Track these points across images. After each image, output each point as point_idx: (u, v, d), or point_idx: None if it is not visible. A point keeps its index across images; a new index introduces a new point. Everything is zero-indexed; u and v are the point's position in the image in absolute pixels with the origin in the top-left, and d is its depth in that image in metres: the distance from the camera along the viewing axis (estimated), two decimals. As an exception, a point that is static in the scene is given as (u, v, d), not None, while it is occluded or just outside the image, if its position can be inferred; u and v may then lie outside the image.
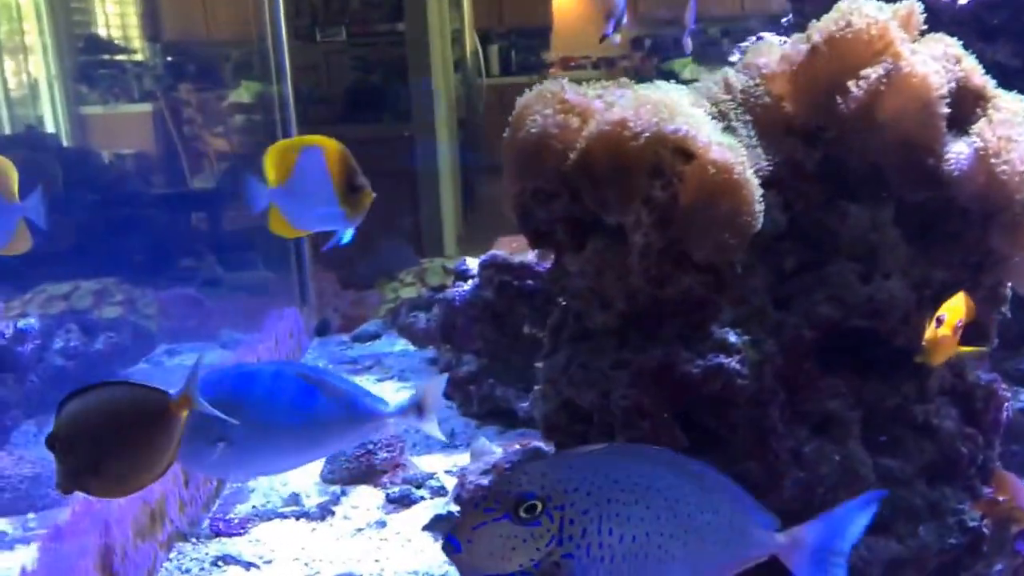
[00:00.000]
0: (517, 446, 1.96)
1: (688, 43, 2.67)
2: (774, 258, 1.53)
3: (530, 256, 2.35)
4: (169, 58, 4.78)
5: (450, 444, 2.41)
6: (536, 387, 2.30)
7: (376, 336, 3.52)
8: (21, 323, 2.59)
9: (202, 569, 1.80)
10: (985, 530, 1.55)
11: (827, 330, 1.51)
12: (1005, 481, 1.53)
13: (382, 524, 1.95)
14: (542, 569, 1.08)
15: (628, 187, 1.41)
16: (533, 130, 1.48)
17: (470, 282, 2.48)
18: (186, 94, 4.49)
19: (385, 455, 2.18)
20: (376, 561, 1.80)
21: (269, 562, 1.82)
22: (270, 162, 1.51)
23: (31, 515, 2.01)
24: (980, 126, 1.46)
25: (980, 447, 1.60)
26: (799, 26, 2.09)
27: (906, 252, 1.52)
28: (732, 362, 1.44)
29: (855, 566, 1.52)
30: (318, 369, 1.72)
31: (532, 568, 1.08)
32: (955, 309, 1.45)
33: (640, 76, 5.28)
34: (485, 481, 1.90)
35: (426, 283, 3.10)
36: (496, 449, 2.27)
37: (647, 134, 1.37)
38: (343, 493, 2.12)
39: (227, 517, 2.00)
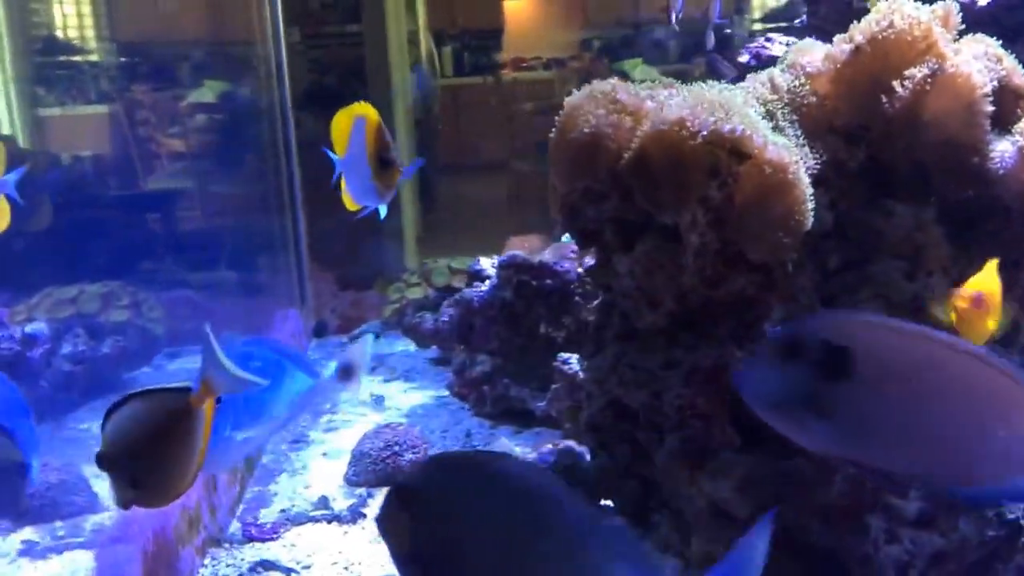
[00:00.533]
0: (550, 446, 1.95)
1: (711, 38, 2.67)
2: (819, 256, 1.53)
3: (548, 256, 2.35)
4: (125, 59, 4.70)
5: (467, 445, 2.40)
6: (553, 386, 2.31)
7: (376, 337, 3.50)
8: (30, 328, 2.54)
9: (240, 575, 1.78)
10: (1023, 522, 1.57)
11: (873, 327, 1.51)
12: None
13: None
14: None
15: (684, 186, 1.41)
16: (586, 130, 1.48)
17: (487, 282, 2.47)
18: (142, 95, 4.42)
19: (410, 456, 2.17)
20: (382, 566, 1.79)
21: (308, 567, 1.80)
22: (335, 131, 1.44)
23: (58, 523, 1.97)
24: (1023, 125, 1.47)
25: (1015, 439, 1.61)
26: (813, 28, 2.11)
27: (947, 250, 1.53)
28: (786, 359, 1.44)
29: (901, 559, 1.54)
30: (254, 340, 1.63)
31: None
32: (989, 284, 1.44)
33: (591, 76, 5.31)
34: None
35: (432, 283, 3.08)
36: (516, 448, 2.27)
37: (705, 133, 1.37)
38: (370, 495, 2.10)
39: (259, 522, 1.98)
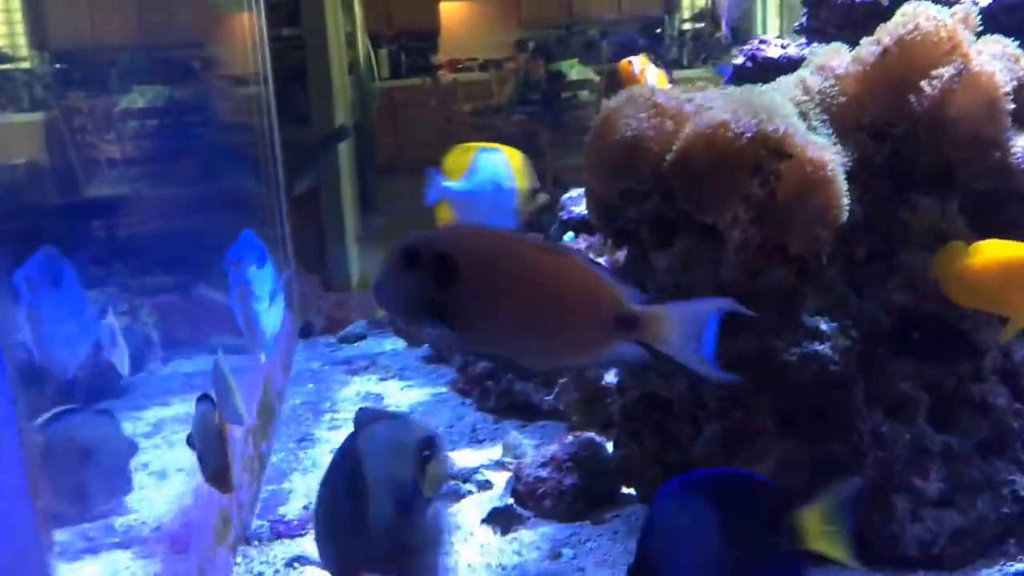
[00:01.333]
0: (570, 438, 1.98)
1: (728, 32, 2.71)
2: (847, 248, 1.58)
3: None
4: (59, 65, 4.63)
5: (474, 439, 2.41)
6: (561, 380, 2.33)
7: (362, 337, 3.49)
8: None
9: (276, 571, 1.78)
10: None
11: (900, 316, 1.56)
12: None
13: (441, 520, 1.95)
14: None
15: (728, 185, 1.44)
16: (628, 133, 1.51)
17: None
18: (77, 101, 4.35)
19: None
20: (446, 555, 1.80)
21: (342, 561, 1.80)
22: (452, 162, 1.56)
23: (87, 524, 1.94)
24: (1039, 121, 1.53)
25: (1026, 421, 1.68)
26: (813, 30, 2.16)
27: (970, 240, 1.58)
28: (825, 348, 1.49)
29: (923, 538, 1.59)
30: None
31: None
32: None
33: (528, 77, 5.35)
34: (544, 473, 1.92)
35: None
36: (525, 441, 2.29)
37: (749, 134, 1.41)
38: (387, 491, 2.11)
39: (286, 519, 1.97)
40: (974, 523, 1.62)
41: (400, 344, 3.29)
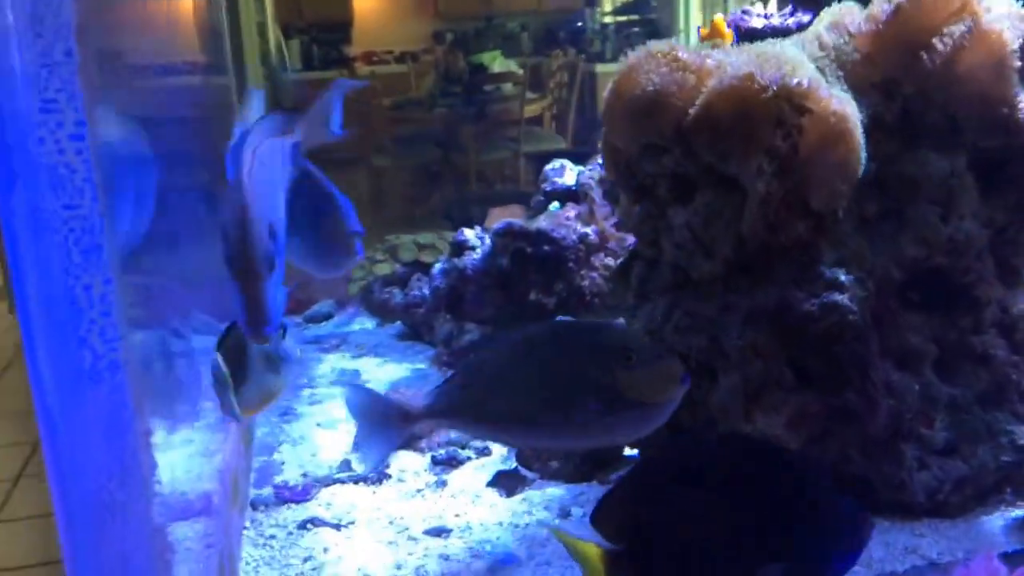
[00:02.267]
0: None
1: None
2: (858, 204, 1.62)
3: (544, 223, 2.39)
4: None
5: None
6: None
7: (329, 316, 3.47)
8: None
9: (290, 534, 1.76)
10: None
11: (912, 269, 1.61)
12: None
13: (442, 484, 1.95)
14: None
15: (752, 138, 1.48)
16: (650, 88, 1.53)
17: (477, 251, 2.49)
18: None
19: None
20: (457, 516, 1.80)
21: (352, 522, 1.79)
22: None
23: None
24: (1044, 80, 1.59)
25: (1023, 373, 1.74)
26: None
27: (976, 195, 1.64)
28: (844, 299, 1.53)
29: (930, 485, 1.65)
30: None
31: None
32: None
33: (448, 69, 5.35)
34: (550, 435, 1.94)
35: (399, 259, 3.08)
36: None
37: (775, 87, 1.44)
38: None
39: (290, 485, 1.96)
40: (975, 471, 1.68)
41: (370, 323, 3.28)
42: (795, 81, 1.44)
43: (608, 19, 6.67)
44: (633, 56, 1.59)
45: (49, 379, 0.84)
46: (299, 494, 1.92)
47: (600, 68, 5.72)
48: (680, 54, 1.55)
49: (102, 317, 0.85)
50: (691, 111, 1.51)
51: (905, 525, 1.66)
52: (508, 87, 5.26)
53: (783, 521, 1.07)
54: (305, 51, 6.74)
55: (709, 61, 1.54)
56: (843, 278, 1.54)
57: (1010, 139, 1.60)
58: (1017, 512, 1.71)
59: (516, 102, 5.12)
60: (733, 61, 1.50)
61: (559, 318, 1.38)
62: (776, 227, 1.52)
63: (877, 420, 1.59)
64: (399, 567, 1.64)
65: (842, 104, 1.46)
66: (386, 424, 1.32)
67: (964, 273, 1.63)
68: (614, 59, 5.64)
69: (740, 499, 1.09)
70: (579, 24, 6.94)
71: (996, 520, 1.69)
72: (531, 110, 5.31)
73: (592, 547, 1.18)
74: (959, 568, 0.98)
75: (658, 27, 5.73)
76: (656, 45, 1.58)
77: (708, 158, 1.53)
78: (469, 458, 2.09)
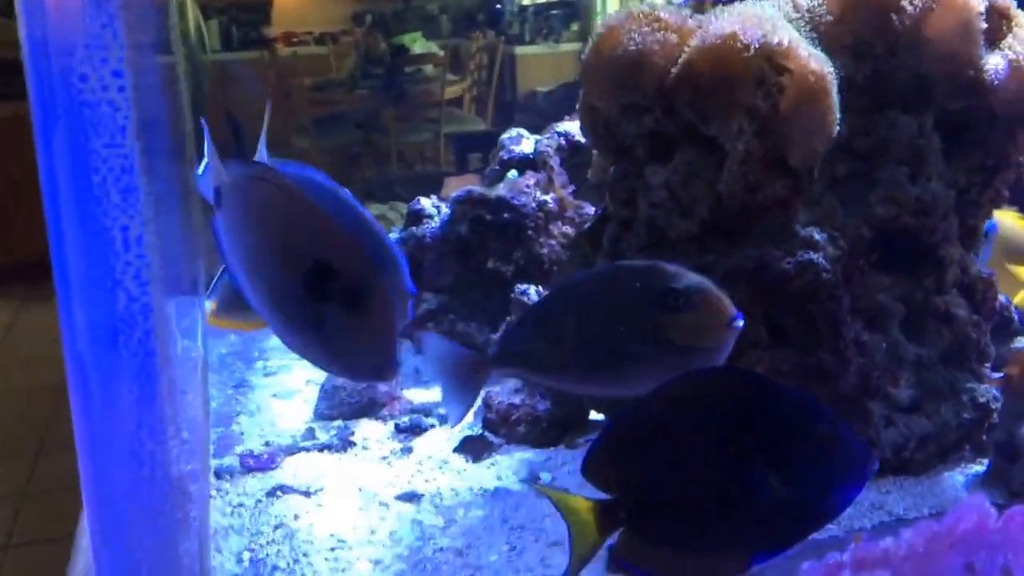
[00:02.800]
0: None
1: None
2: (830, 164, 1.66)
3: (503, 190, 2.39)
4: None
5: (420, 380, 2.42)
6: (509, 318, 2.35)
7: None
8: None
9: (258, 502, 1.74)
10: (993, 405, 1.75)
11: (881, 229, 1.65)
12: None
13: (408, 451, 1.94)
14: None
15: (732, 97, 1.49)
16: (632, 47, 1.54)
17: (436, 219, 2.48)
18: None
19: (384, 388, 2.17)
20: (426, 482, 1.80)
21: (321, 490, 1.78)
22: None
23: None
24: (1009, 41, 1.65)
25: (982, 332, 1.80)
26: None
27: (941, 157, 1.69)
28: (819, 257, 1.56)
29: (896, 442, 1.70)
30: None
31: None
32: None
33: (369, 51, 5.33)
34: (516, 400, 1.94)
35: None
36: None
37: (756, 46, 1.46)
38: (347, 427, 2.09)
39: (255, 453, 1.94)
40: (939, 429, 1.73)
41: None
42: (776, 40, 1.46)
43: (527, 1, 6.67)
44: (614, 15, 1.60)
45: (82, 322, 0.82)
46: (264, 463, 1.90)
47: (519, 50, 5.72)
48: (662, 14, 1.56)
49: (137, 259, 0.84)
50: (673, 71, 1.52)
51: (871, 482, 1.70)
52: (428, 69, 5.26)
53: (784, 458, 1.05)
54: (224, 32, 6.60)
55: (691, 21, 1.55)
56: (817, 237, 1.57)
57: (975, 100, 1.64)
58: (977, 468, 1.76)
59: (437, 84, 5.13)
60: (715, 22, 1.52)
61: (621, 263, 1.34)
62: (755, 186, 1.54)
63: (848, 378, 1.62)
64: (372, 532, 1.63)
65: (820, 64, 1.49)
66: (467, 375, 1.28)
67: (931, 233, 1.68)
68: (533, 41, 5.71)
69: (737, 437, 1.07)
70: (498, 6, 6.93)
71: (957, 476, 1.74)
72: (451, 92, 5.31)
73: (581, 500, 1.16)
74: (951, 512, 0.99)
75: (577, 10, 5.77)
76: (637, 5, 1.59)
77: (689, 117, 1.54)
78: (433, 425, 2.08)
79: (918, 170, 1.65)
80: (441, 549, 1.56)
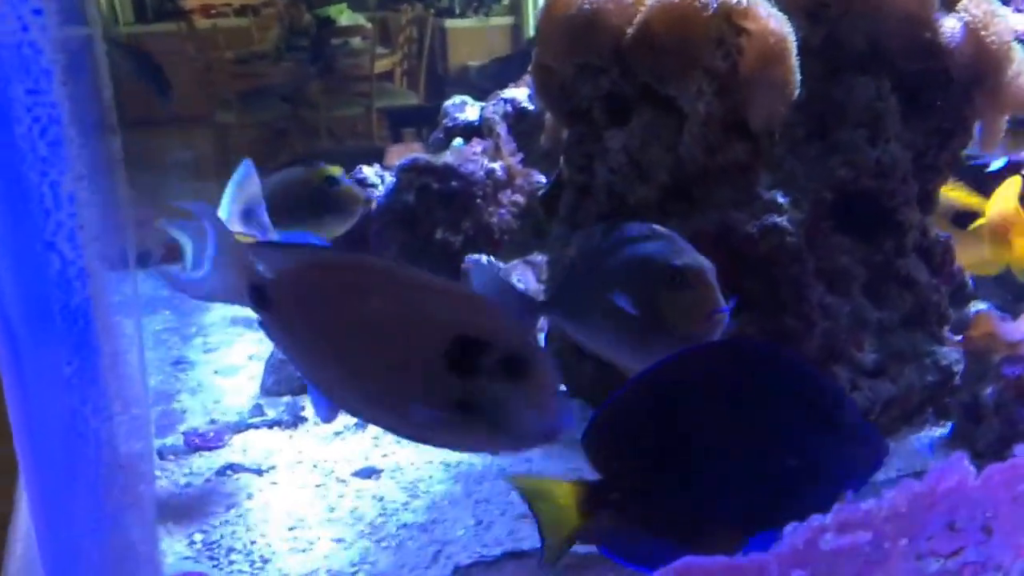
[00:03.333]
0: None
1: None
2: (788, 128, 1.66)
3: (450, 158, 2.37)
4: None
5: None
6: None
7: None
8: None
9: (208, 481, 1.72)
10: (956, 368, 1.78)
11: (841, 191, 1.67)
12: (985, 318, 1.76)
13: (362, 426, 1.92)
14: None
15: (691, 58, 1.49)
16: (587, 7, 1.53)
17: (380, 188, 2.45)
18: None
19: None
20: (384, 456, 1.78)
21: (274, 467, 1.75)
22: None
23: None
24: (964, 3, 1.66)
25: (942, 295, 1.83)
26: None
27: (898, 119, 1.70)
28: (783, 220, 1.57)
29: (863, 405, 1.72)
30: None
31: None
32: None
33: (294, 22, 5.26)
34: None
35: (290, 199, 2.99)
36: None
37: (715, 6, 1.46)
38: (296, 403, 2.07)
39: (200, 431, 1.91)
40: (903, 392, 1.75)
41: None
42: (735, 0, 1.46)
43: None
44: (569, -26, 1.58)
45: (9, 286, 0.76)
46: (211, 441, 1.87)
47: (449, 23, 5.67)
48: (617, -28, 1.55)
49: (70, 219, 0.79)
50: (629, 31, 1.51)
51: (834, 445, 1.73)
52: (356, 41, 5.18)
53: (795, 439, 1.02)
54: (137, 3, 6.43)
55: (646, -20, 1.54)
56: (780, 199, 1.58)
57: (931, 62, 1.66)
58: (940, 431, 1.80)
59: (366, 57, 5.06)
60: (672, -21, 1.51)
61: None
62: (715, 149, 1.54)
63: (813, 342, 1.64)
64: (331, 510, 1.61)
65: (780, 24, 1.49)
66: (515, 315, 1.23)
67: (891, 196, 1.69)
68: (463, 14, 5.65)
69: (750, 415, 1.03)
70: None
71: (923, 439, 1.78)
72: (381, 65, 5.24)
73: (561, 485, 1.10)
74: (931, 472, 1.00)
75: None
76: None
77: (646, 78, 1.54)
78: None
79: (876, 133, 1.67)
80: (405, 525, 1.55)
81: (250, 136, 5.27)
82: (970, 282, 2.06)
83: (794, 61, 1.52)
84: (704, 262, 1.20)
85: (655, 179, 1.59)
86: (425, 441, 1.07)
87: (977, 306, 2.08)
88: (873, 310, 1.74)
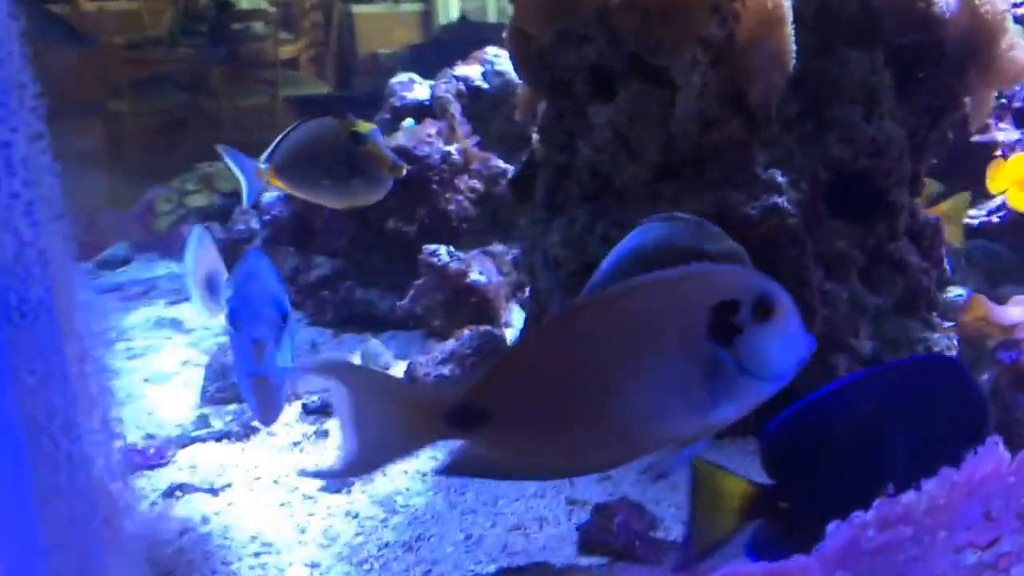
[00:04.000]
0: (467, 332, 1.90)
1: None
2: (781, 104, 1.59)
3: (403, 139, 2.25)
4: None
5: (314, 353, 2.28)
6: (417, 282, 2.23)
7: (127, 261, 3.20)
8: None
9: (154, 504, 1.57)
10: (949, 352, 1.74)
11: (837, 171, 1.60)
12: (979, 302, 1.72)
13: (323, 434, 1.80)
14: None
15: (686, 25, 1.41)
16: (570, -33, 1.44)
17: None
18: None
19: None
20: (350, 468, 1.67)
21: (229, 485, 1.62)
22: None
23: None
24: (958, -29, 1.61)
25: (931, 279, 1.78)
26: None
27: (893, 95, 1.65)
28: (783, 201, 1.50)
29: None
30: None
31: None
32: None
33: (190, 5, 5.10)
34: (446, 371, 1.83)
35: (217, 189, 2.85)
36: (386, 350, 2.19)
37: (713, -31, 1.38)
38: (244, 412, 1.93)
39: (138, 448, 1.76)
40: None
41: (175, 266, 3.06)
42: (733, -38, 1.38)
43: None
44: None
45: None
46: (152, 458, 1.73)
47: (356, 9, 5.54)
48: (602, -67, 1.45)
49: (25, 188, 0.66)
50: (618, -5, 1.43)
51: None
52: (258, 27, 5.04)
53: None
54: (18, -15, 6.15)
55: (634, -58, 1.45)
56: (779, 179, 1.51)
57: (925, 34, 1.60)
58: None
59: (269, 43, 4.92)
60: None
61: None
62: (710, 124, 1.46)
63: (813, 330, 1.57)
64: (302, 531, 1.48)
65: (779, -11, 1.42)
66: None
67: (885, 176, 1.63)
68: (371, 0, 5.53)
69: (934, 448, 1.00)
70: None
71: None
72: (286, 52, 5.09)
73: (733, 480, 1.05)
74: (968, 460, 0.95)
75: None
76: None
77: (635, 48, 1.45)
78: (344, 405, 1.95)
79: (871, 109, 1.61)
80: (386, 544, 1.43)
81: (144, 125, 5.07)
82: (948, 266, 2.03)
83: (790, 28, 1.45)
84: (738, 247, 1.12)
85: (645, 157, 1.50)
86: (701, 438, 1.00)
87: (955, 291, 2.05)
88: (869, 295, 1.68)
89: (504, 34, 1.64)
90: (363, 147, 1.51)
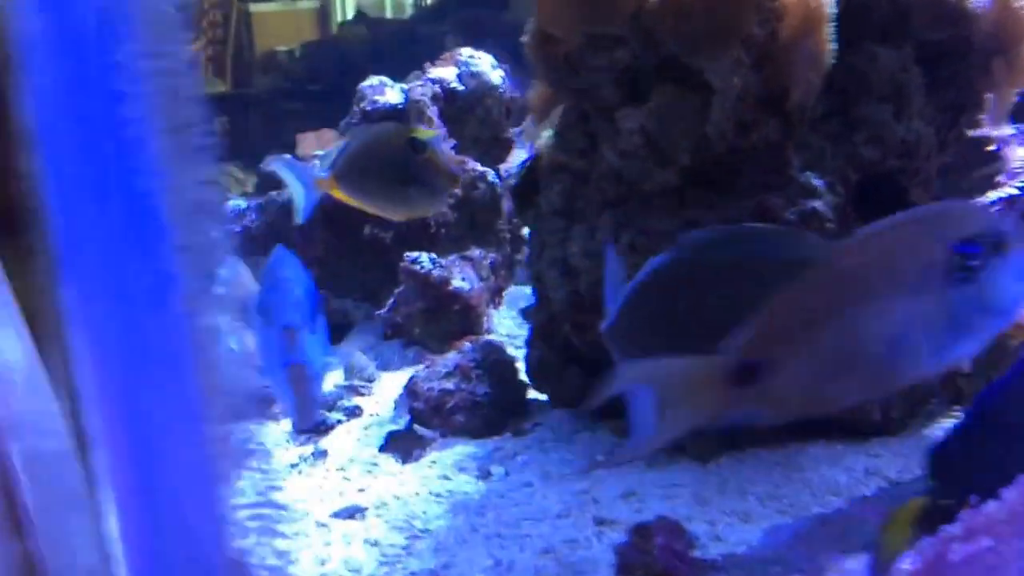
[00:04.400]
0: (468, 343, 1.84)
1: None
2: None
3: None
4: None
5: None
6: (398, 290, 2.17)
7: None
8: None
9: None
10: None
11: (867, 172, 1.58)
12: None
13: (321, 454, 1.73)
14: None
15: (731, 25, 1.37)
16: (603, -35, 1.39)
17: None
18: None
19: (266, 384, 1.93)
20: (361, 491, 1.59)
21: (233, 515, 1.55)
22: None
23: None
24: (988, -34, 1.59)
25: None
26: None
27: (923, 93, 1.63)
28: (821, 205, 1.47)
29: (884, 403, 1.64)
30: None
31: None
32: None
33: None
34: (450, 385, 1.76)
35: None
36: (370, 362, 2.12)
37: (754, -34, 1.34)
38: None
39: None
40: (912, 385, 1.69)
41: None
42: (775, -42, 1.35)
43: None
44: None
45: None
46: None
47: (254, 7, 5.48)
48: (635, -73, 1.41)
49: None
50: (653, -4, 1.38)
51: (858, 447, 1.64)
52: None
53: None
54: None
55: (669, -63, 1.41)
56: (816, 182, 1.48)
57: (955, 29, 1.58)
58: (947, 422, 1.74)
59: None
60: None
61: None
62: (748, 127, 1.42)
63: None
64: (321, 563, 1.41)
65: (820, -14, 1.38)
66: None
67: (913, 176, 1.61)
68: None
69: None
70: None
71: (936, 431, 1.71)
72: None
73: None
74: None
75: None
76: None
77: (673, 49, 1.40)
78: (339, 421, 1.88)
79: (901, 107, 1.57)
80: (413, 574, 1.37)
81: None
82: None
83: (830, 28, 1.42)
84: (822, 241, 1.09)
85: (675, 163, 1.45)
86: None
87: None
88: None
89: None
90: (422, 155, 1.44)
